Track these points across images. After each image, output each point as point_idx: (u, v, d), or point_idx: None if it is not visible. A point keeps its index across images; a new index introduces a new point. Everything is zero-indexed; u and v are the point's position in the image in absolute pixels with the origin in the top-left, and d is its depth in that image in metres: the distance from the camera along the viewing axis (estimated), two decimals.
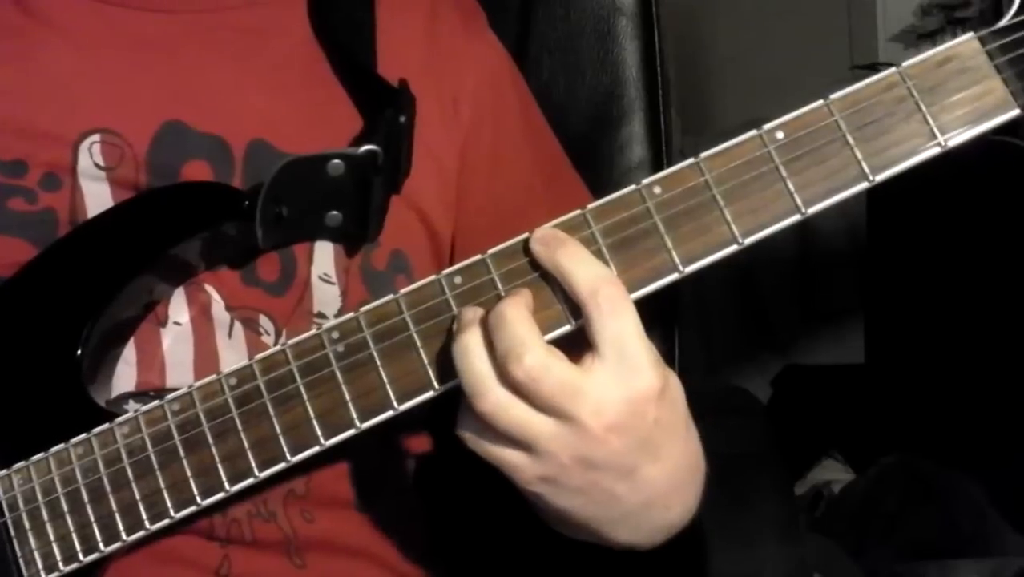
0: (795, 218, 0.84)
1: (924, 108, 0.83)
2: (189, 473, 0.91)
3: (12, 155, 1.01)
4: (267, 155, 1.03)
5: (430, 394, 0.87)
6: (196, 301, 1.02)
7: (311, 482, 1.04)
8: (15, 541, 0.93)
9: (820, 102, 0.84)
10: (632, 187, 0.84)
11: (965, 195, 2.37)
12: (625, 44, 1.39)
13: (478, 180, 1.12)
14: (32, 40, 1.04)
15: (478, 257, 0.87)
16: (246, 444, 0.90)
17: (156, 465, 0.91)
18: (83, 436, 0.93)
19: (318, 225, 1.00)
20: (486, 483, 1.37)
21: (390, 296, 0.88)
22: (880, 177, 0.84)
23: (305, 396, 0.89)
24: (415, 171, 1.06)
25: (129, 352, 1.01)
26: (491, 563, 1.32)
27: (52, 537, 0.93)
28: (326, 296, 1.04)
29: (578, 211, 0.85)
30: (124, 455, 0.92)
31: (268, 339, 1.03)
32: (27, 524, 0.93)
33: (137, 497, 0.91)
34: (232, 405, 0.90)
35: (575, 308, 0.84)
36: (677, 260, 0.83)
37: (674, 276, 0.84)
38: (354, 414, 0.88)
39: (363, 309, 0.88)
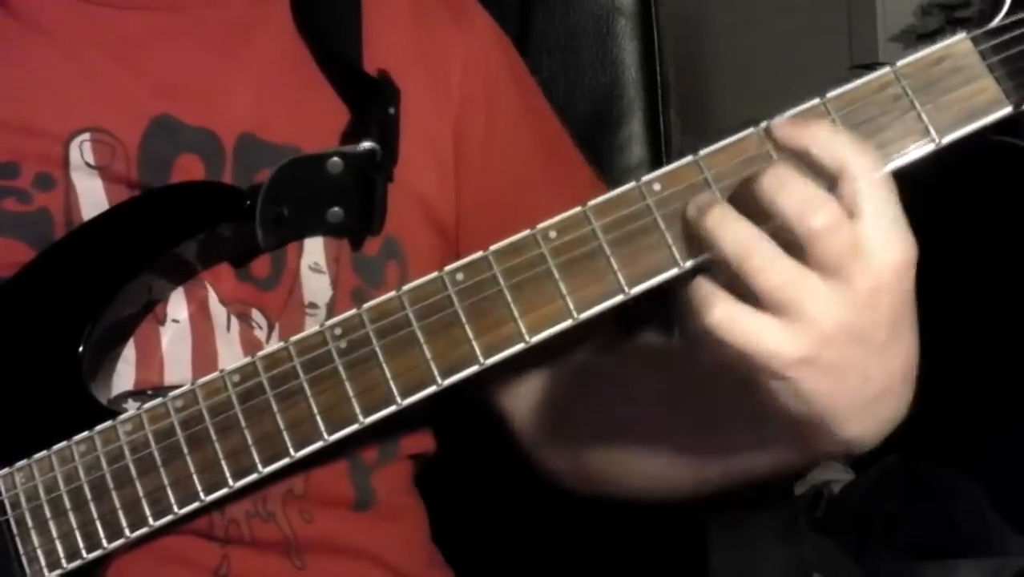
0: None
1: (918, 106, 0.83)
2: (192, 469, 0.91)
3: (4, 157, 1.01)
4: (257, 148, 1.04)
5: (433, 389, 0.88)
6: (194, 298, 1.02)
7: (309, 481, 1.05)
8: (18, 539, 0.94)
9: (817, 100, 0.84)
10: (632, 184, 0.84)
11: (965, 195, 2.37)
12: (625, 44, 1.39)
13: (474, 156, 1.13)
14: (18, 42, 1.05)
15: (480, 254, 0.87)
16: (249, 440, 0.90)
17: (159, 462, 0.92)
18: (86, 433, 0.93)
19: (319, 222, 1.01)
20: (487, 483, 1.38)
21: (392, 293, 0.88)
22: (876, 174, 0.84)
23: (308, 392, 0.89)
24: (411, 155, 1.06)
25: (128, 351, 1.01)
26: (492, 564, 1.33)
27: (55, 534, 0.93)
28: (316, 286, 1.04)
29: (578, 208, 0.85)
30: (127, 452, 0.92)
31: (261, 333, 1.03)
32: (30, 522, 0.94)
33: (140, 494, 0.92)
34: (235, 401, 0.91)
35: (580, 304, 0.85)
36: (678, 255, 0.84)
37: (675, 271, 0.84)
38: (357, 410, 0.89)
39: (366, 305, 0.89)
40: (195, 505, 0.92)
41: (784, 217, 0.77)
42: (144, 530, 0.92)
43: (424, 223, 1.11)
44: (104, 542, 0.93)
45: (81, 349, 0.95)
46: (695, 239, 0.82)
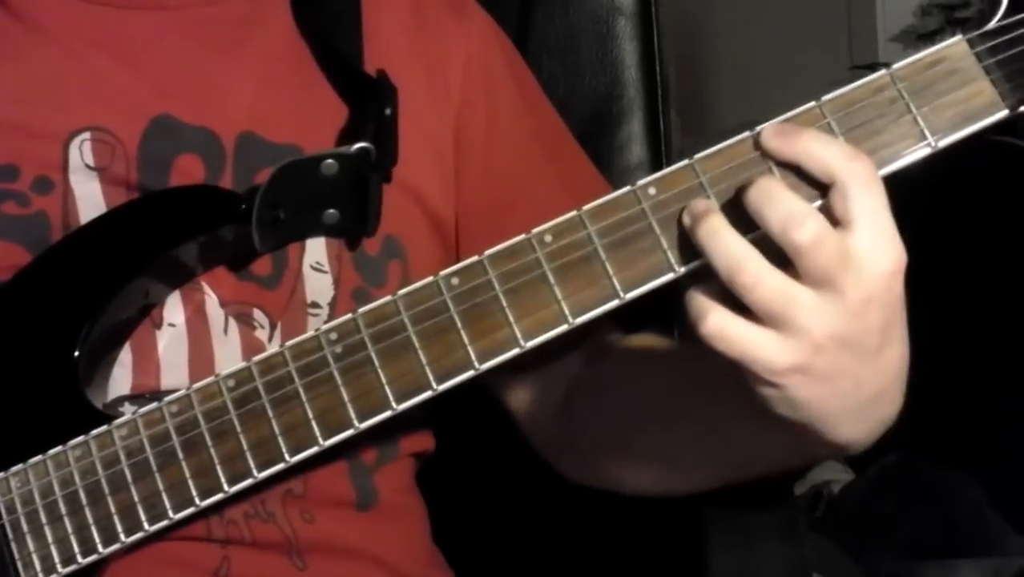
0: None
1: (914, 109, 0.83)
2: (188, 474, 0.91)
3: (3, 159, 1.01)
4: (257, 147, 1.04)
5: (428, 394, 0.88)
6: (191, 301, 1.02)
7: (309, 482, 1.05)
8: (13, 544, 0.94)
9: (813, 103, 0.84)
10: (627, 188, 0.84)
11: (964, 195, 2.37)
12: (625, 44, 1.39)
13: (475, 156, 1.13)
14: (18, 41, 1.05)
15: (475, 258, 0.87)
16: (245, 445, 0.90)
17: (155, 467, 0.91)
18: (81, 438, 0.93)
19: (315, 224, 1.01)
20: (487, 483, 1.38)
21: (387, 297, 0.88)
22: None
23: (304, 397, 0.89)
24: (410, 155, 1.06)
25: (124, 355, 1.01)
26: (493, 564, 1.32)
27: (50, 539, 0.93)
28: (319, 285, 1.05)
29: (574, 212, 0.85)
30: (123, 457, 0.92)
31: (263, 333, 1.03)
32: (25, 527, 0.93)
33: (136, 499, 0.92)
34: (231, 406, 0.91)
35: (575, 308, 0.85)
36: (672, 260, 0.84)
37: (670, 275, 0.84)
38: (352, 415, 0.89)
39: (361, 310, 0.89)
40: (191, 510, 0.92)
41: (770, 231, 0.78)
42: (139, 535, 0.92)
43: (424, 223, 1.11)
44: (100, 547, 0.92)
45: (77, 353, 0.95)
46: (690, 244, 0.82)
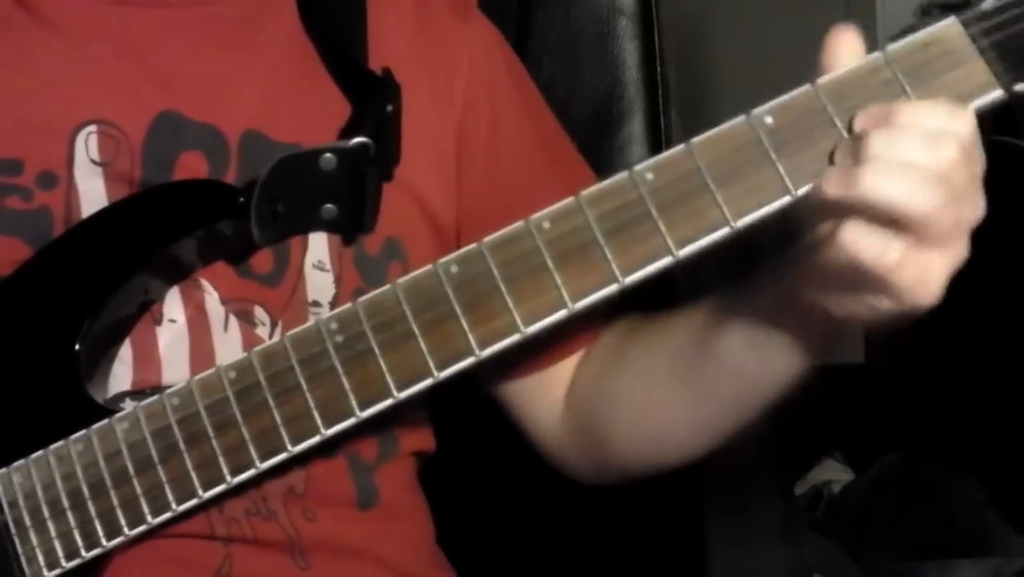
0: (786, 200, 0.84)
1: (909, 91, 0.83)
2: (190, 466, 0.91)
3: (8, 152, 1.01)
4: (261, 145, 1.04)
5: (429, 382, 0.88)
6: (191, 298, 1.02)
7: (310, 480, 1.04)
8: (16, 539, 0.94)
9: (808, 86, 0.85)
10: (624, 173, 0.85)
11: None
12: (625, 44, 1.39)
13: (477, 160, 1.13)
14: (26, 35, 1.05)
15: (474, 246, 0.87)
16: (247, 436, 0.91)
17: (157, 459, 0.92)
18: (83, 432, 0.93)
19: (313, 219, 1.01)
20: (490, 483, 1.38)
21: (388, 286, 0.88)
22: None
23: (305, 387, 0.90)
24: (412, 157, 1.07)
25: (125, 351, 1.01)
26: (494, 565, 1.33)
27: (53, 533, 0.93)
28: (320, 284, 1.05)
29: (571, 198, 0.85)
30: (125, 450, 0.92)
31: (264, 330, 1.03)
32: (28, 521, 0.93)
33: (139, 492, 0.92)
34: (232, 398, 0.91)
35: (574, 294, 0.85)
36: (671, 244, 0.84)
37: (668, 259, 0.84)
38: (354, 404, 0.89)
39: (361, 300, 0.89)
40: (193, 502, 0.92)
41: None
42: (143, 528, 0.93)
43: (425, 225, 1.11)
44: (103, 541, 0.93)
45: (78, 347, 0.95)
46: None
